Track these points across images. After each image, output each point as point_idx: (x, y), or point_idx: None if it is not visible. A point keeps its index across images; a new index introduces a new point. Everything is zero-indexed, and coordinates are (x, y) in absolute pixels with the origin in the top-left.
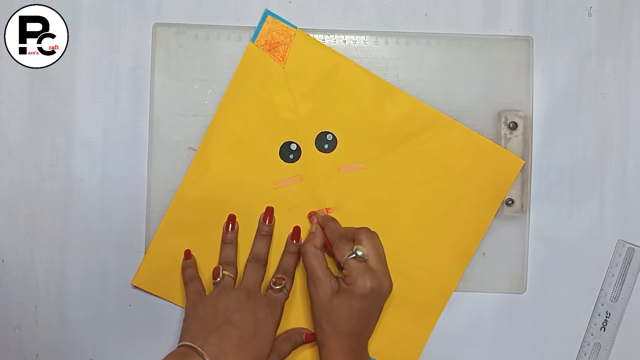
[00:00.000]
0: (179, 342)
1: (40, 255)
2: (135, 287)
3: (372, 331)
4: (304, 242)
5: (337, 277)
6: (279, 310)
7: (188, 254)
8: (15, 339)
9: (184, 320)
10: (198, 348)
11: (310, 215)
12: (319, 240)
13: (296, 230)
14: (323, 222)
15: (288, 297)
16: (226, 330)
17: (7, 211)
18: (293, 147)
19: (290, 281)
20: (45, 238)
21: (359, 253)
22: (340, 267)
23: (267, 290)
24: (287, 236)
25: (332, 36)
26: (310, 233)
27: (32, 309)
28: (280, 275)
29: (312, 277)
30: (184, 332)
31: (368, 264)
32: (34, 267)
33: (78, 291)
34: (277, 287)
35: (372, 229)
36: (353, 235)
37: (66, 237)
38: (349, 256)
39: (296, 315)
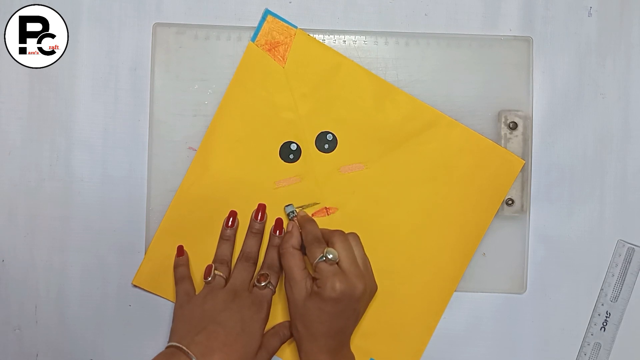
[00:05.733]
0: (168, 342)
1: (40, 255)
2: (136, 286)
3: (352, 331)
4: (281, 242)
5: (313, 279)
6: (265, 307)
7: (181, 251)
8: (15, 339)
9: (173, 320)
10: (184, 347)
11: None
12: (296, 240)
13: (278, 222)
14: (301, 222)
15: (275, 292)
16: (213, 329)
17: (7, 211)
18: (293, 147)
19: (276, 275)
20: (45, 238)
21: (329, 256)
22: (313, 269)
23: (252, 288)
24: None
25: (332, 36)
26: (287, 232)
27: (32, 309)
28: (264, 272)
29: (288, 278)
30: (172, 333)
31: (340, 267)
32: (34, 267)
33: (78, 291)
34: (262, 284)
35: (370, 230)
36: (327, 238)
37: (66, 237)
38: (319, 259)
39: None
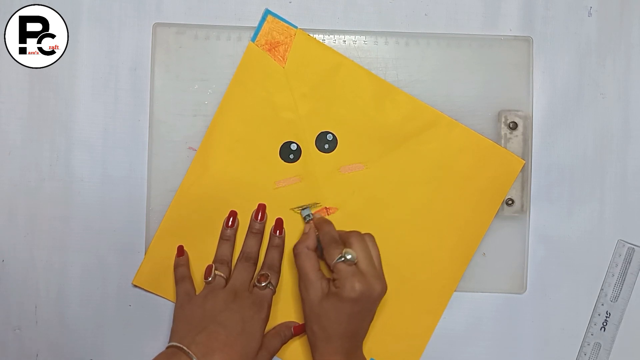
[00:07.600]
0: (168, 342)
1: (40, 255)
2: (136, 286)
3: (366, 332)
4: (296, 243)
5: (328, 280)
6: (266, 307)
7: (181, 251)
8: (15, 339)
9: (173, 321)
10: (185, 347)
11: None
12: (312, 242)
13: (279, 222)
14: (317, 224)
15: (275, 292)
16: (213, 329)
17: (7, 211)
18: (293, 147)
19: (276, 275)
20: (45, 238)
21: (348, 257)
22: (331, 270)
23: (252, 288)
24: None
25: (332, 36)
26: (304, 234)
27: (32, 309)
28: (264, 272)
29: (303, 279)
30: (173, 333)
31: (358, 268)
32: (34, 267)
33: (78, 291)
34: (262, 285)
35: (370, 230)
36: (344, 239)
37: (66, 237)
38: (337, 259)
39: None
